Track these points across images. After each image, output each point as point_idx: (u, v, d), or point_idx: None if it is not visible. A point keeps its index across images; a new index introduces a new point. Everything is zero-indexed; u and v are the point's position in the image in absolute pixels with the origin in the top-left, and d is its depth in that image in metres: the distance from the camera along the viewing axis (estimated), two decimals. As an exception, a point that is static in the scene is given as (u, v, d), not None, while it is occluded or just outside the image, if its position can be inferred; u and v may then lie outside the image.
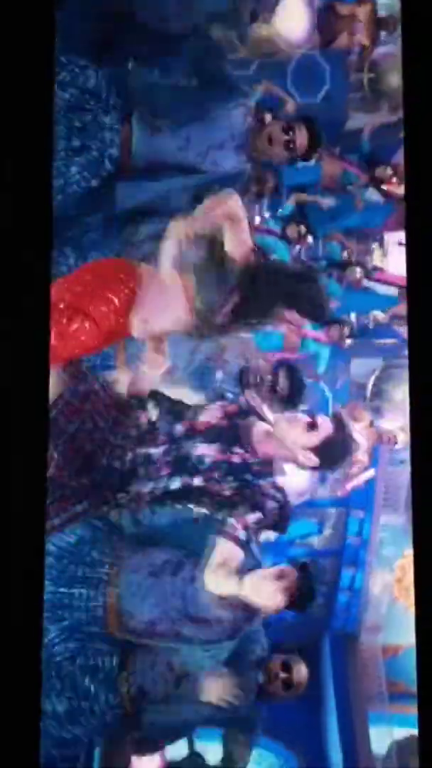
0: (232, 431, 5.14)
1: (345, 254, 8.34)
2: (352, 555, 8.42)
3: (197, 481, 5.11)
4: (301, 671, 6.44)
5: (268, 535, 8.03)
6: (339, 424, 5.28)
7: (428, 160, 6.88)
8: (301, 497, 7.76)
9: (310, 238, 8.03)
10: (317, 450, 5.22)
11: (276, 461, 5.22)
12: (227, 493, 5.23)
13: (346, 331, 8.03)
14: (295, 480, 7.67)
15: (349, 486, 7.88)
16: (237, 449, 5.10)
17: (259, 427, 5.13)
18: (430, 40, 7.11)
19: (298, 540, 8.26)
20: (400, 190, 8.03)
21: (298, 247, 8.03)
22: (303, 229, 7.98)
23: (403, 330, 8.23)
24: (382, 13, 7.60)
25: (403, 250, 7.50)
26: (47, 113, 6.20)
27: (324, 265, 8.30)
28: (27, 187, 6.17)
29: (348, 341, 7.99)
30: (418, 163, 6.89)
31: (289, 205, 8.05)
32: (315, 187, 8.12)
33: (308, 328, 7.91)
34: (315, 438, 5.16)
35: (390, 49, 7.68)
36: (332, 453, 5.36)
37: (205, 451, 5.05)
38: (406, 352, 7.50)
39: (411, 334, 6.63)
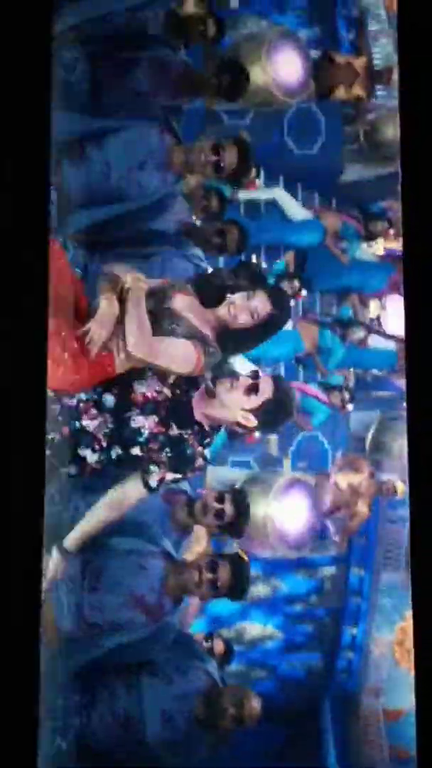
0: (172, 402, 5.34)
1: (350, 312, 8.39)
2: (353, 613, 8.27)
3: (135, 451, 5.28)
4: (253, 706, 6.60)
5: (267, 592, 8.05)
6: (279, 386, 5.44)
7: (426, 213, 6.95)
8: (299, 551, 7.74)
9: (304, 292, 8.03)
10: (257, 412, 5.24)
11: (214, 424, 5.54)
12: (164, 460, 5.61)
13: (347, 396, 8.00)
14: (291, 533, 7.68)
15: (345, 536, 7.84)
16: (174, 422, 5.26)
17: (200, 390, 5.25)
18: (426, 92, 7.18)
19: (297, 600, 8.13)
20: (398, 246, 8.04)
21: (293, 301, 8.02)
22: (297, 284, 7.96)
23: (401, 382, 8.18)
24: (378, 64, 7.60)
25: (400, 303, 7.47)
26: (46, 112, 6.22)
27: (327, 321, 8.33)
28: (26, 187, 6.15)
29: (349, 407, 7.96)
30: (416, 215, 7.03)
31: (281, 262, 8.07)
32: (319, 246, 8.16)
33: (313, 386, 7.91)
34: (255, 401, 5.29)
35: (386, 101, 7.68)
36: (271, 415, 5.72)
37: (143, 423, 5.17)
38: (404, 404, 7.44)
39: (409, 387, 6.75)
